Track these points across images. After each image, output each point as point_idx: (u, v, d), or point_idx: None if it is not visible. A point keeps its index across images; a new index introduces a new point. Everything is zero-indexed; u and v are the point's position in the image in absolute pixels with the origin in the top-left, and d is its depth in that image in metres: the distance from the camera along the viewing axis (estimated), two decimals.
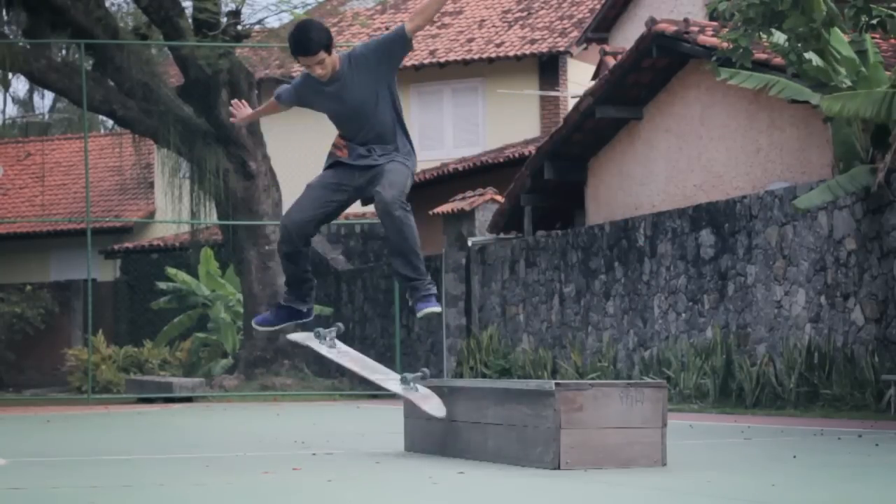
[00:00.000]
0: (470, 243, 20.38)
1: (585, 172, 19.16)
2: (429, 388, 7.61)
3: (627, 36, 22.58)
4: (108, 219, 29.86)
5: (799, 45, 12.34)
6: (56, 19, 20.70)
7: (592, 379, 13.21)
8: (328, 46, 7.21)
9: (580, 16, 28.18)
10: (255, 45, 22.41)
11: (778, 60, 14.14)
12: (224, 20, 20.64)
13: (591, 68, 24.66)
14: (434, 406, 7.26)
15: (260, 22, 23.39)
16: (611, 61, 18.49)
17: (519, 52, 27.29)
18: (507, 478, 6.13)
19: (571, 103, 23.82)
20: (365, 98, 7.24)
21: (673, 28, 16.39)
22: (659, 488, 5.64)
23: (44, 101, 48.03)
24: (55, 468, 7.09)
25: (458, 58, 27.07)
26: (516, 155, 23.73)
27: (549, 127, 25.35)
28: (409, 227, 7.24)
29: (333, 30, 28.81)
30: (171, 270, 25.24)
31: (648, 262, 16.48)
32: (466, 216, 20.62)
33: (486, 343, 19.22)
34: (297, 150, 26.29)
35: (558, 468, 6.33)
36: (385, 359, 22.93)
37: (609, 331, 17.17)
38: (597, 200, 19.02)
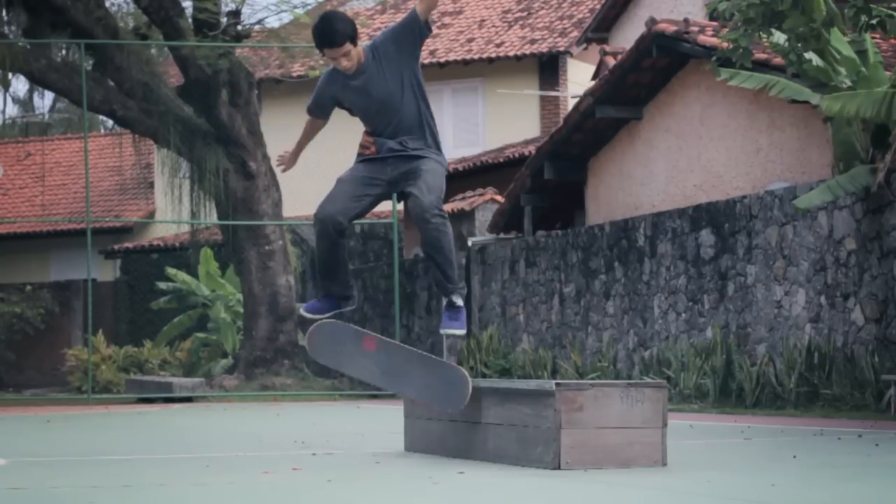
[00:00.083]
0: (470, 243, 20.39)
1: (585, 172, 19.16)
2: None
3: (627, 36, 22.58)
4: (108, 219, 29.87)
5: (799, 45, 12.34)
6: (56, 19, 20.69)
7: (592, 379, 13.20)
8: (354, 38, 7.03)
9: (580, 16, 28.18)
10: (255, 45, 22.41)
11: (778, 60, 14.14)
12: (224, 20, 20.62)
13: (591, 68, 24.66)
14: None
15: (260, 22, 23.41)
16: (611, 61, 18.50)
17: (519, 52, 27.30)
18: (507, 478, 6.13)
19: (571, 103, 23.83)
20: (392, 90, 7.08)
21: (673, 28, 16.39)
22: (659, 488, 5.64)
23: (44, 101, 48.06)
24: (55, 468, 7.08)
25: (458, 58, 27.07)
26: (516, 155, 23.73)
27: (549, 127, 25.35)
28: (444, 234, 7.09)
29: None
30: (171, 270, 25.25)
31: (648, 262, 16.48)
32: (466, 216, 20.63)
33: (486, 343, 19.23)
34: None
35: (558, 468, 6.33)
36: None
37: (609, 331, 17.17)
38: (597, 200, 19.02)
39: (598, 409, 6.41)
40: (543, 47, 27.30)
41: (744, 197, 14.95)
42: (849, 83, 12.72)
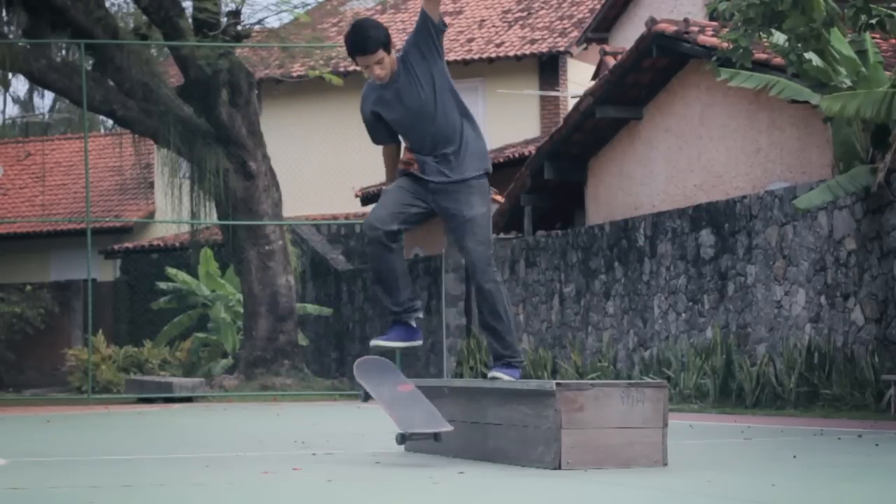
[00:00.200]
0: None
1: (585, 172, 19.17)
2: (429, 387, 7.58)
3: (627, 36, 22.58)
4: (108, 219, 29.87)
5: (799, 45, 12.34)
6: (56, 19, 20.69)
7: (592, 379, 13.21)
8: (387, 45, 6.81)
9: (580, 16, 28.19)
10: (255, 45, 22.40)
11: (778, 60, 14.14)
12: (224, 20, 20.62)
13: (591, 68, 24.67)
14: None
15: (260, 22, 23.41)
16: (611, 61, 18.50)
17: (519, 52, 27.30)
18: (507, 478, 6.12)
19: (571, 103, 23.82)
20: (426, 97, 6.88)
21: (673, 28, 16.39)
22: (659, 488, 5.63)
23: (44, 101, 48.07)
24: (55, 468, 7.08)
25: (458, 58, 27.07)
26: (516, 155, 23.73)
27: (549, 127, 25.35)
28: (500, 299, 6.96)
29: (333, 30, 28.94)
30: (171, 270, 25.25)
31: (648, 262, 16.48)
32: None
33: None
34: (297, 150, 26.30)
35: (559, 468, 6.33)
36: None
37: (609, 331, 17.17)
38: (597, 200, 19.02)
39: (599, 409, 6.41)
40: (543, 47, 27.30)
41: (744, 197, 14.95)
42: (849, 83, 12.72)
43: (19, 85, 49.56)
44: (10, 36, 21.11)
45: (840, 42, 12.85)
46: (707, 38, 15.73)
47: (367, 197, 24.71)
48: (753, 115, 16.04)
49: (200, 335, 24.62)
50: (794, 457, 7.22)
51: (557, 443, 6.35)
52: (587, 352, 17.55)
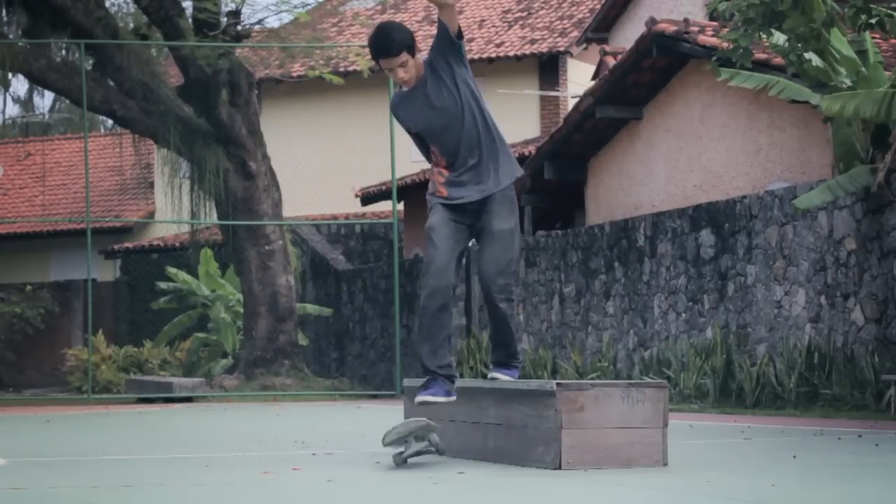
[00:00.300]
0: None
1: (585, 172, 19.17)
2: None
3: (627, 36, 22.59)
4: (108, 219, 29.87)
5: (799, 45, 12.34)
6: (56, 19, 20.69)
7: (593, 379, 13.21)
8: (412, 48, 6.71)
9: (580, 16, 28.19)
10: (255, 45, 22.40)
11: (778, 60, 14.15)
12: (224, 20, 20.62)
13: (591, 68, 24.68)
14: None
15: (260, 22, 23.40)
16: (611, 61, 18.50)
17: (519, 52, 27.31)
18: (507, 478, 6.12)
19: (571, 103, 23.83)
20: (453, 100, 6.80)
21: (673, 28, 16.40)
22: (659, 488, 5.64)
23: (44, 101, 48.10)
24: (55, 468, 7.08)
25: None
26: (516, 155, 23.67)
27: (549, 127, 25.36)
28: (510, 319, 6.92)
29: (333, 30, 28.95)
30: (171, 270, 25.26)
31: (648, 262, 16.48)
32: None
33: (486, 343, 19.21)
34: (297, 150, 26.31)
35: (559, 468, 6.33)
36: (385, 358, 22.96)
37: (609, 331, 17.17)
38: (597, 200, 19.03)
39: (599, 409, 6.41)
40: (543, 47, 27.31)
41: (744, 197, 14.95)
42: (849, 83, 12.72)
43: (19, 85, 49.58)
44: (10, 36, 21.11)
45: (840, 42, 12.85)
46: (707, 38, 15.74)
47: (367, 197, 24.72)
48: (753, 115, 16.04)
49: (200, 335, 24.62)
50: (794, 457, 7.22)
51: (557, 443, 6.35)
52: (587, 352, 17.55)
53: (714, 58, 13.69)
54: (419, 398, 6.77)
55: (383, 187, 23.05)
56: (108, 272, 30.43)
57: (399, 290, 20.24)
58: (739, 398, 13.99)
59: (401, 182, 22.13)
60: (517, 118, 26.65)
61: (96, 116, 36.19)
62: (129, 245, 30.30)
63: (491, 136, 6.97)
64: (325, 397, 19.68)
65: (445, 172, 6.98)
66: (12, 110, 48.34)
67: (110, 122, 34.17)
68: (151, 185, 30.81)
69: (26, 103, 47.94)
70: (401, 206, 23.85)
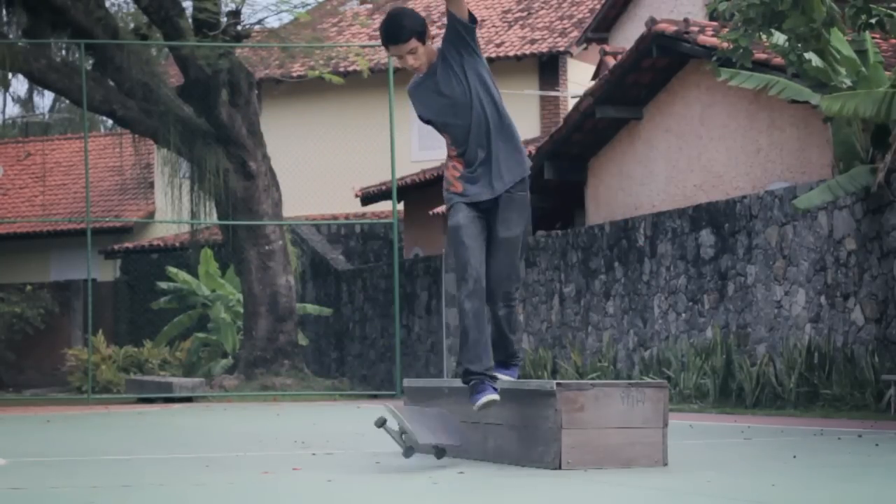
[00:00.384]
0: None
1: (585, 172, 19.16)
2: (429, 387, 7.58)
3: (627, 36, 22.59)
4: (108, 219, 29.88)
5: (799, 45, 12.34)
6: (56, 19, 20.70)
7: (593, 379, 13.21)
8: (422, 34, 6.61)
9: (580, 16, 28.19)
10: (255, 45, 22.41)
11: (778, 60, 14.14)
12: (224, 20, 20.63)
13: (591, 68, 24.67)
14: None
15: (260, 22, 23.42)
16: (611, 61, 18.50)
17: (519, 52, 27.30)
18: (507, 478, 6.12)
19: (571, 103, 23.83)
20: (462, 87, 6.71)
21: (673, 28, 16.39)
22: (659, 488, 5.64)
23: (44, 101, 48.12)
24: (55, 468, 7.08)
25: None
26: None
27: (549, 127, 25.36)
28: (511, 320, 6.86)
29: (333, 30, 28.93)
30: (171, 270, 25.26)
31: (648, 262, 16.49)
32: None
33: None
34: (297, 150, 26.31)
35: (559, 468, 6.33)
36: (385, 359, 22.97)
37: (609, 331, 17.17)
38: (597, 200, 19.02)
39: (599, 409, 6.41)
40: (543, 47, 27.31)
41: (744, 197, 14.95)
42: (849, 83, 12.72)
43: (19, 85, 49.57)
44: (10, 36, 21.11)
45: (840, 42, 12.85)
46: (707, 38, 15.73)
47: (367, 197, 24.71)
48: (753, 115, 16.04)
49: (200, 335, 24.63)
50: (794, 457, 7.22)
51: (558, 443, 6.35)
52: (587, 352, 17.55)
53: (714, 58, 13.69)
54: (483, 400, 6.61)
55: (383, 187, 23.05)
56: (108, 272, 30.43)
57: (399, 290, 20.24)
58: (739, 398, 13.99)
59: (401, 182, 22.12)
60: (517, 118, 26.35)
61: (96, 116, 36.19)
62: (129, 245, 30.30)
63: (503, 131, 6.92)
64: (325, 397, 19.68)
65: (459, 166, 6.93)
66: (12, 110, 48.39)
67: (110, 122, 34.17)
68: (151, 185, 30.82)
69: (26, 103, 47.96)
70: (401, 206, 23.82)
